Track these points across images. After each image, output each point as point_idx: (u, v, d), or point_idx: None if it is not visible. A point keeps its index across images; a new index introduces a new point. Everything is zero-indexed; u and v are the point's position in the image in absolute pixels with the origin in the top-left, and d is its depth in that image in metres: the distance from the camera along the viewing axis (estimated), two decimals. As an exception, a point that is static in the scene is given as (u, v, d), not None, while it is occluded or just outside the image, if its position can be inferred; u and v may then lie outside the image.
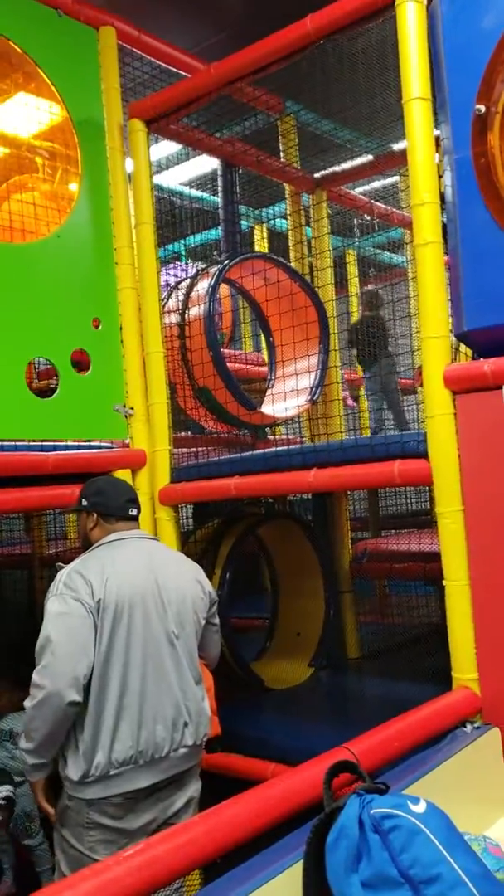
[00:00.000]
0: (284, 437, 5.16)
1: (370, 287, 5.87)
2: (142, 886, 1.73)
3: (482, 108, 2.85)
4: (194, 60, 4.54)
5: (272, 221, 6.70)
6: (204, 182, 6.38)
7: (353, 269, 7.26)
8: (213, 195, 5.91)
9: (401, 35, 3.03)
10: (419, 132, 3.00)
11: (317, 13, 3.28)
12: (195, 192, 6.12)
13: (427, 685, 3.27)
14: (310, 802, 2.00)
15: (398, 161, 4.94)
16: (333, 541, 4.84)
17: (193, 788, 2.84)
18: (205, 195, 6.06)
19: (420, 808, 1.78)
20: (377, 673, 4.51)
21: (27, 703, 2.57)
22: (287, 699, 4.09)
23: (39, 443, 3.49)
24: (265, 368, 6.06)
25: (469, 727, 2.64)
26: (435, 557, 4.36)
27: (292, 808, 2.01)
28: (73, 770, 2.59)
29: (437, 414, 2.94)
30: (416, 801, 1.81)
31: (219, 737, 3.13)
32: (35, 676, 2.55)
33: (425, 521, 6.17)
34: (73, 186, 3.89)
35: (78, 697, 2.52)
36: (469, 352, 3.30)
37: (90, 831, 2.62)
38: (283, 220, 6.98)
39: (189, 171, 6.37)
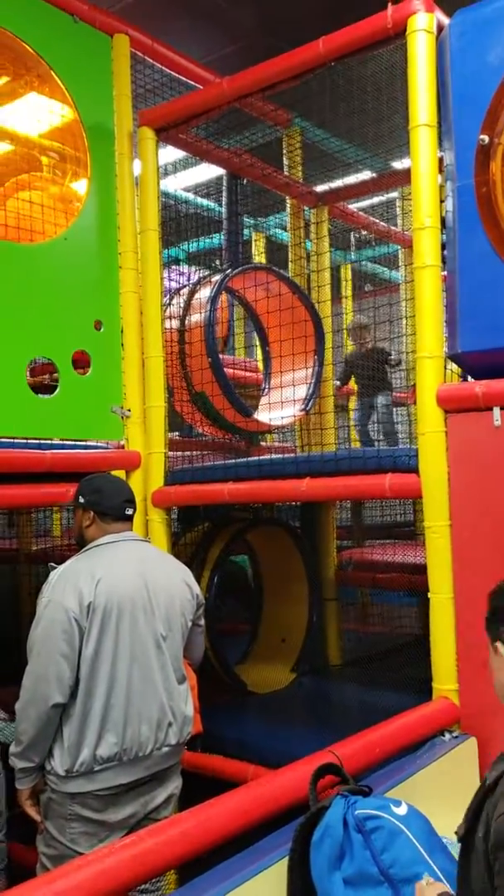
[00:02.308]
0: (277, 443, 5.23)
1: (359, 318, 5.93)
2: (130, 878, 1.80)
3: (486, 138, 2.96)
4: (204, 70, 4.62)
5: (271, 231, 6.78)
6: (201, 187, 6.45)
7: (348, 284, 7.36)
8: (212, 201, 6.00)
9: (410, 63, 3.13)
10: (424, 157, 3.10)
11: (330, 36, 3.37)
12: (192, 197, 6.19)
13: (407, 694, 3.35)
14: (295, 802, 2.07)
15: (399, 180, 5.05)
16: (320, 549, 4.92)
17: (174, 785, 2.91)
18: (204, 202, 6.13)
19: (402, 810, 1.87)
20: (358, 680, 4.59)
21: (17, 706, 2.64)
22: (269, 703, 4.17)
23: (37, 441, 3.55)
24: (257, 374, 6.16)
25: (448, 736, 2.73)
26: (419, 569, 4.48)
27: (280, 806, 2.09)
28: (58, 764, 2.65)
29: (429, 431, 3.04)
30: (398, 803, 1.89)
31: (200, 734, 3.20)
32: (24, 679, 2.64)
33: (408, 532, 6.28)
34: (82, 190, 3.96)
35: (62, 699, 2.60)
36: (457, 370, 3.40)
37: (72, 823, 2.68)
38: (281, 231, 7.10)
39: (189, 177, 6.43)
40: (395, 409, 5.99)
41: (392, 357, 5.66)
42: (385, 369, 5.60)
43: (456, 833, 1.54)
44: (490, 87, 2.96)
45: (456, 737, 2.74)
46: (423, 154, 3.10)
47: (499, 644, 1.58)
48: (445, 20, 3.21)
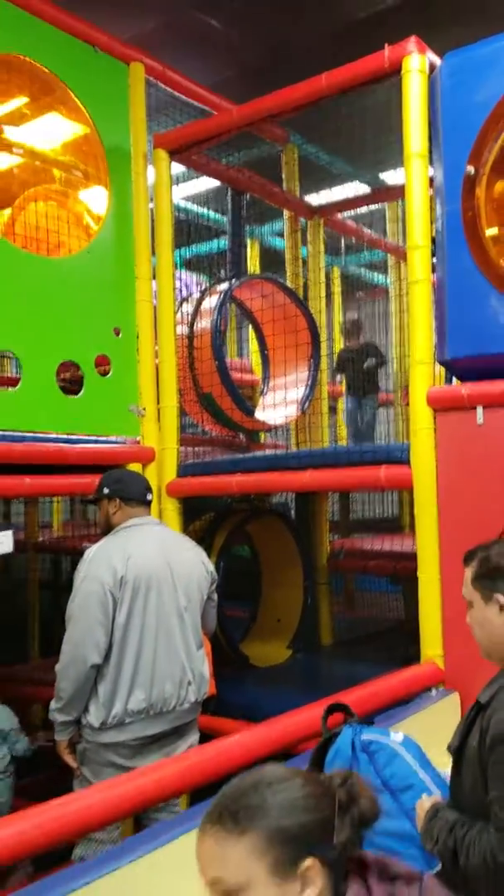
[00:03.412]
0: (272, 441, 5.62)
1: (352, 314, 6.34)
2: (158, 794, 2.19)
3: (472, 169, 3.35)
4: (209, 93, 4.98)
5: (265, 238, 7.16)
6: (200, 197, 6.82)
7: (336, 288, 7.75)
8: (210, 210, 6.37)
9: (405, 99, 3.53)
10: (417, 184, 3.50)
11: (332, 72, 3.75)
12: (196, 208, 6.56)
13: (392, 668, 3.75)
14: (304, 739, 2.45)
15: (390, 194, 5.46)
16: (313, 538, 5.32)
17: (193, 738, 3.30)
18: (204, 211, 6.50)
19: (399, 737, 2.27)
20: (348, 657, 4.99)
21: (57, 667, 3.02)
22: (269, 675, 4.56)
23: (65, 436, 3.91)
24: (251, 375, 6.55)
25: (434, 692, 3.13)
26: (404, 557, 4.89)
27: (291, 741, 2.47)
28: (93, 718, 3.03)
29: (420, 429, 3.43)
30: (395, 733, 2.29)
31: (214, 697, 3.57)
32: (63, 644, 3.02)
33: (392, 525, 6.69)
34: (102, 205, 4.30)
35: (98, 660, 2.98)
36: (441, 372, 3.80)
37: (105, 769, 3.06)
38: (274, 238, 7.49)
39: (190, 188, 6.80)
40: (379, 410, 6.41)
41: (378, 357, 6.06)
42: (375, 366, 5.99)
43: (448, 748, 1.92)
44: (476, 124, 3.36)
45: (442, 692, 3.14)
46: (416, 180, 3.50)
47: (498, 597, 1.91)
48: (437, 60, 3.60)
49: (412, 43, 3.52)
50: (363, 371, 5.90)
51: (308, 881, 1.13)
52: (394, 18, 4.98)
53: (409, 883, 1.22)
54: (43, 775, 4.43)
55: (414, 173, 3.49)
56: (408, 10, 4.94)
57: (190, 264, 6.54)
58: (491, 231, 3.38)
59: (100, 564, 3.09)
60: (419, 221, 3.47)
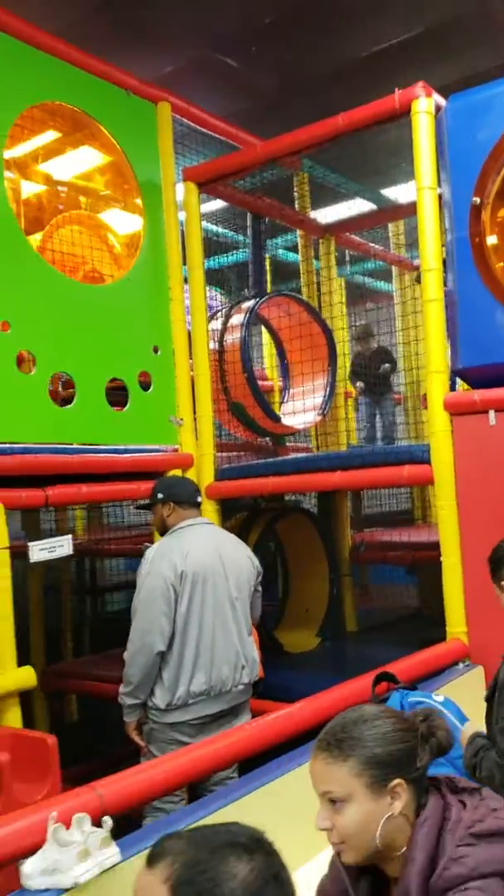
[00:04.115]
0: (293, 444, 6.04)
1: (364, 322, 6.76)
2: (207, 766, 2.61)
3: (477, 199, 3.77)
4: (227, 125, 5.39)
5: (276, 252, 7.57)
6: (212, 215, 7.23)
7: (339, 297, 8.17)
8: (221, 226, 6.76)
9: (415, 137, 3.95)
10: (428, 213, 3.92)
11: (348, 112, 4.17)
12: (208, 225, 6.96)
13: (413, 650, 4.14)
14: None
15: (394, 213, 5.88)
16: (336, 533, 5.74)
17: (246, 718, 3.68)
18: (217, 229, 6.91)
19: (440, 698, 2.69)
20: (373, 643, 5.41)
21: (125, 656, 3.37)
22: (302, 660, 4.98)
23: (113, 446, 4.31)
24: (268, 383, 6.96)
25: (461, 665, 3.55)
26: (420, 546, 5.31)
27: (337, 712, 2.86)
28: (159, 700, 3.40)
29: (438, 431, 3.85)
30: (437, 695, 2.71)
31: (262, 679, 3.98)
32: (131, 634, 3.38)
33: (405, 518, 7.12)
34: (136, 234, 4.71)
35: (163, 647, 3.35)
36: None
37: (171, 746, 3.42)
38: (283, 250, 7.90)
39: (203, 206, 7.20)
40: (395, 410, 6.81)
41: (390, 362, 6.47)
42: (388, 371, 6.40)
43: (485, 698, 2.35)
44: (479, 159, 3.78)
45: (468, 666, 3.56)
46: (428, 210, 3.91)
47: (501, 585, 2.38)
48: (442, 101, 4.02)
49: (420, 87, 3.94)
50: (379, 375, 6.32)
51: (396, 796, 1.51)
52: (397, 55, 5.42)
53: (471, 794, 1.61)
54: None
55: (425, 204, 3.90)
56: (410, 49, 5.38)
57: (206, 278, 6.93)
58: (498, 255, 3.80)
59: (161, 561, 3.44)
60: (431, 247, 3.88)
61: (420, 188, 3.93)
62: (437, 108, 4.01)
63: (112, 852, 1.93)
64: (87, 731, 5.97)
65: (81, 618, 7.39)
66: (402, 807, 1.50)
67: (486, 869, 1.38)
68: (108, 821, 1.99)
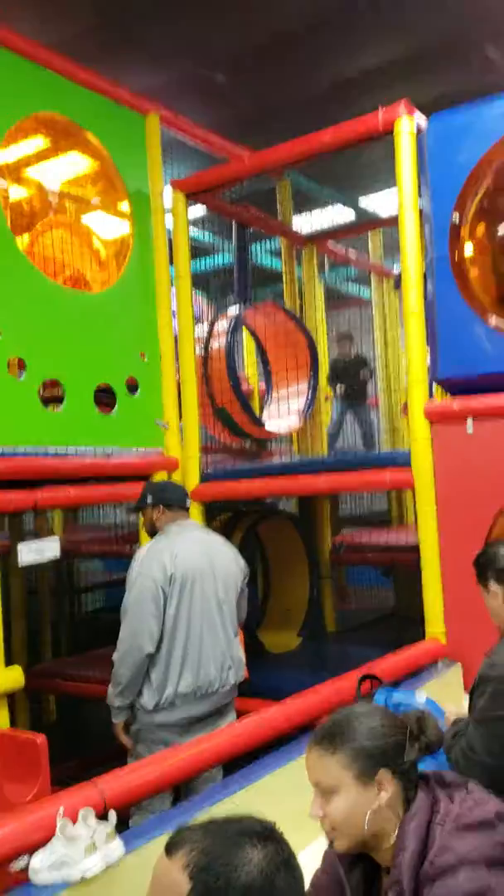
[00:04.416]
0: (276, 447, 6.16)
1: (344, 331, 6.89)
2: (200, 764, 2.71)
3: (457, 218, 3.92)
4: (214, 136, 5.50)
5: (257, 257, 7.69)
6: (198, 220, 7.35)
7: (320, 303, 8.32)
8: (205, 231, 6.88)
9: (397, 157, 4.08)
10: (410, 230, 4.05)
11: (333, 128, 4.31)
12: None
13: (390, 650, 4.27)
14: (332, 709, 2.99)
15: (373, 224, 6.03)
16: (316, 535, 5.87)
17: (231, 718, 3.76)
18: (200, 234, 7.03)
19: (421, 697, 2.82)
20: (352, 642, 5.56)
21: (114, 657, 3.44)
22: (283, 659, 5.11)
23: (102, 448, 4.40)
24: (249, 385, 7.07)
25: (440, 664, 3.70)
26: (398, 549, 5.46)
27: (322, 711, 2.99)
28: (148, 700, 3.47)
29: (419, 438, 4.00)
30: (419, 694, 2.85)
31: (247, 680, 4.09)
32: (121, 635, 3.44)
33: (381, 520, 7.27)
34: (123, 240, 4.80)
35: (152, 649, 3.43)
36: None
37: (158, 746, 3.48)
38: (265, 255, 8.02)
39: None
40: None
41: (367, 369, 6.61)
42: (365, 377, 6.54)
43: (469, 691, 2.50)
44: (459, 179, 3.93)
45: (447, 664, 3.71)
46: (409, 228, 4.05)
47: (493, 585, 2.52)
48: (424, 121, 4.16)
49: (402, 106, 4.08)
50: (359, 381, 6.46)
51: (382, 788, 1.63)
52: (381, 75, 5.58)
53: (458, 788, 1.73)
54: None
55: (407, 221, 4.04)
56: (394, 69, 5.54)
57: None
58: (473, 269, 3.96)
59: (151, 563, 3.52)
60: (413, 262, 4.02)
61: (402, 206, 4.06)
62: (419, 128, 4.15)
63: (117, 846, 2.02)
64: (65, 731, 6.04)
65: (59, 618, 7.44)
66: (388, 798, 1.62)
67: (473, 856, 1.51)
68: (113, 815, 2.09)
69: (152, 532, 3.82)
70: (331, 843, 1.68)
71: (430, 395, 4.56)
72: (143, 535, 4.15)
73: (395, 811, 1.63)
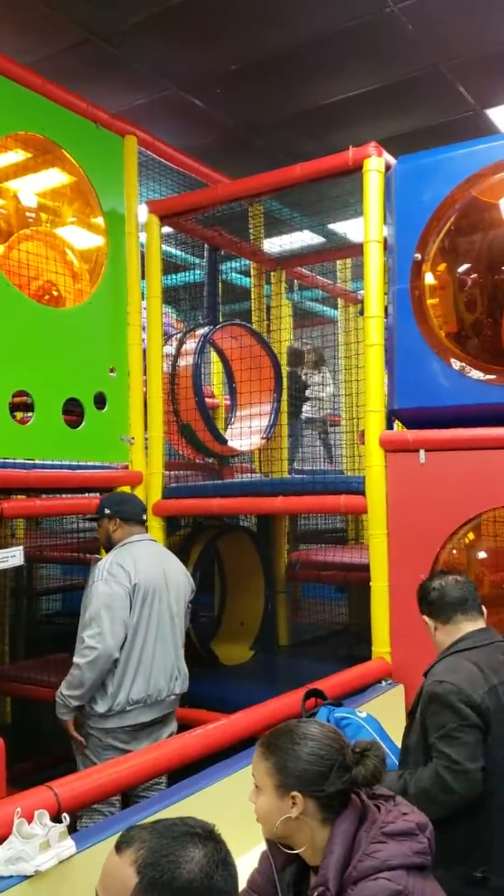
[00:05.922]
0: (239, 464, 6.31)
1: (295, 345, 7.07)
2: (150, 771, 2.83)
3: (419, 255, 4.11)
4: (189, 159, 5.65)
5: (227, 275, 7.85)
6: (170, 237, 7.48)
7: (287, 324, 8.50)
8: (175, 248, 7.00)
9: (365, 194, 4.27)
10: (374, 264, 4.24)
11: (305, 164, 4.48)
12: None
13: (341, 665, 4.43)
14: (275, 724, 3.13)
15: (341, 252, 6.23)
16: (273, 550, 6.03)
17: (173, 727, 3.93)
18: (172, 250, 7.15)
19: (363, 715, 2.99)
20: (303, 656, 5.72)
21: (81, 661, 3.52)
22: (235, 672, 5.25)
23: (69, 462, 4.52)
24: (213, 400, 7.22)
25: (384, 683, 3.87)
26: (352, 567, 5.63)
27: (267, 725, 3.13)
28: (100, 706, 3.61)
29: (373, 465, 4.18)
30: (361, 712, 3.01)
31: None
32: (89, 641, 3.53)
33: (337, 537, 7.44)
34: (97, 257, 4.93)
35: (118, 655, 3.58)
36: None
37: (106, 751, 3.65)
38: (234, 273, 8.18)
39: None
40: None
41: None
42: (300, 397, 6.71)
43: (409, 712, 2.65)
44: (423, 219, 4.12)
45: (390, 684, 3.88)
46: (373, 261, 4.24)
47: (425, 618, 2.70)
48: (392, 160, 4.36)
49: (372, 147, 4.27)
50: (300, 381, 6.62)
51: (294, 803, 1.77)
52: (353, 106, 5.79)
53: (386, 800, 1.88)
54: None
55: (371, 255, 4.23)
56: (365, 101, 5.75)
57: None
58: (433, 305, 4.15)
59: (118, 572, 3.65)
60: (375, 295, 4.21)
61: (367, 241, 4.25)
62: (388, 166, 4.34)
63: (69, 845, 2.17)
64: (21, 733, 6.11)
65: (16, 621, 7.50)
66: (298, 814, 1.76)
67: (394, 862, 1.67)
68: (66, 817, 2.23)
69: (108, 544, 3.95)
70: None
71: (392, 427, 4.76)
72: (102, 543, 4.26)
73: (309, 824, 1.77)
